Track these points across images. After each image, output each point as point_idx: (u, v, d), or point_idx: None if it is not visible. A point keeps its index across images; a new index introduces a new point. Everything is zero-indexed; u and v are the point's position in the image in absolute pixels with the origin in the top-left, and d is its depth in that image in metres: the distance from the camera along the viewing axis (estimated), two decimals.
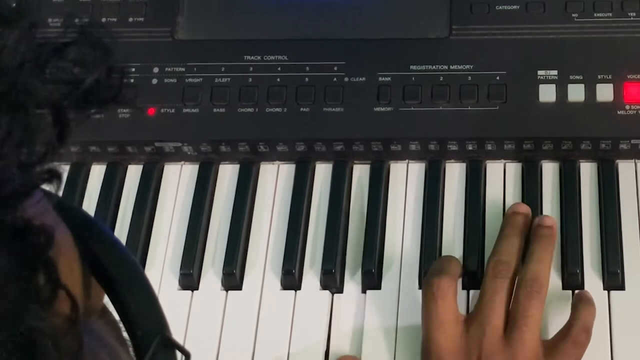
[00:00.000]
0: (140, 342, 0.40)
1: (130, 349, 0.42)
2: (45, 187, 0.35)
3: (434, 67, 0.85)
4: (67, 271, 0.35)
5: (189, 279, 0.81)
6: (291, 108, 0.85)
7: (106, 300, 0.43)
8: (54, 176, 0.34)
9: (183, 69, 0.86)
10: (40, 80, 0.33)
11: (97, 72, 0.35)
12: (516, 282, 0.74)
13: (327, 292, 0.80)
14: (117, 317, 0.43)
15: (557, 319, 0.76)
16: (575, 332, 0.73)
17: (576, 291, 0.77)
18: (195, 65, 0.86)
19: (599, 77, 0.83)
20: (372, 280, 0.79)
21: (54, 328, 0.31)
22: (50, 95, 0.33)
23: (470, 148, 0.84)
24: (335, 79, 0.85)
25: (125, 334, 0.43)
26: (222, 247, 0.82)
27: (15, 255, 0.31)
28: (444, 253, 0.81)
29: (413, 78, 0.84)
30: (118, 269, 0.41)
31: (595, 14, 0.85)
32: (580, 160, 0.83)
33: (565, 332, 0.73)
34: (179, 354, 0.41)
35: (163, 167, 0.88)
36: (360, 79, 0.85)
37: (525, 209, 0.79)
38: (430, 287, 0.73)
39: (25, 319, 0.30)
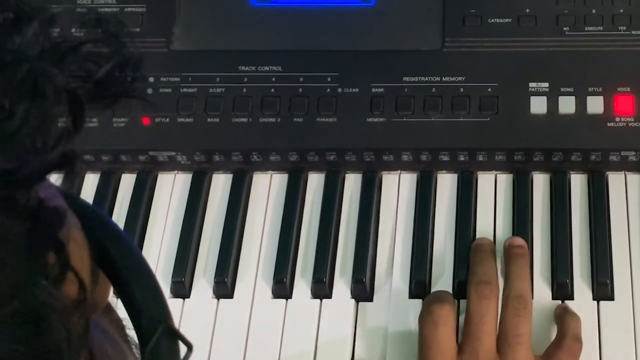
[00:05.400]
0: (144, 331, 0.41)
1: (134, 347, 0.42)
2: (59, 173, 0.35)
3: (426, 78, 0.85)
4: (76, 256, 0.36)
5: (181, 287, 0.81)
6: (285, 118, 0.85)
7: (111, 299, 0.44)
8: (68, 161, 0.34)
9: (178, 79, 0.87)
10: (57, 68, 0.34)
11: (109, 65, 0.36)
12: (501, 302, 0.74)
13: (318, 301, 0.80)
14: (122, 315, 0.43)
15: (547, 329, 0.76)
16: (569, 341, 0.73)
17: (558, 304, 0.77)
18: (190, 75, 0.87)
19: (590, 89, 0.83)
20: (362, 288, 0.80)
21: (62, 306, 0.32)
22: (66, 83, 0.34)
23: (462, 159, 0.84)
24: (328, 90, 0.86)
25: (129, 332, 0.43)
26: (214, 256, 0.83)
27: (28, 231, 0.31)
28: (434, 263, 0.81)
29: (406, 89, 0.85)
30: (124, 260, 0.42)
31: (586, 28, 0.86)
32: (571, 172, 0.84)
33: (558, 343, 0.73)
34: (182, 346, 0.42)
35: (157, 176, 0.88)
36: (354, 90, 0.85)
37: (488, 239, 0.80)
38: (431, 314, 0.73)
39: (35, 293, 0.31)
